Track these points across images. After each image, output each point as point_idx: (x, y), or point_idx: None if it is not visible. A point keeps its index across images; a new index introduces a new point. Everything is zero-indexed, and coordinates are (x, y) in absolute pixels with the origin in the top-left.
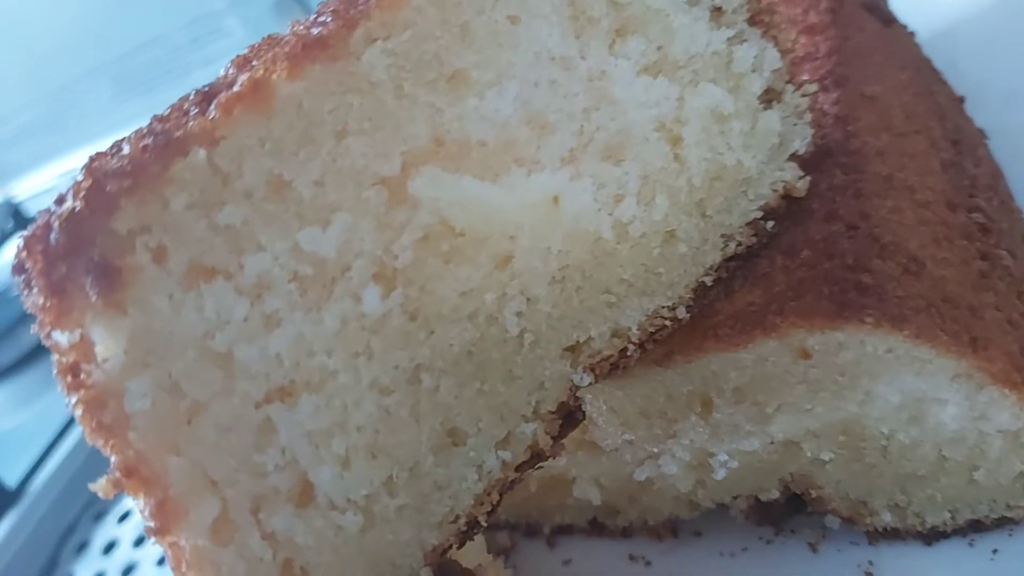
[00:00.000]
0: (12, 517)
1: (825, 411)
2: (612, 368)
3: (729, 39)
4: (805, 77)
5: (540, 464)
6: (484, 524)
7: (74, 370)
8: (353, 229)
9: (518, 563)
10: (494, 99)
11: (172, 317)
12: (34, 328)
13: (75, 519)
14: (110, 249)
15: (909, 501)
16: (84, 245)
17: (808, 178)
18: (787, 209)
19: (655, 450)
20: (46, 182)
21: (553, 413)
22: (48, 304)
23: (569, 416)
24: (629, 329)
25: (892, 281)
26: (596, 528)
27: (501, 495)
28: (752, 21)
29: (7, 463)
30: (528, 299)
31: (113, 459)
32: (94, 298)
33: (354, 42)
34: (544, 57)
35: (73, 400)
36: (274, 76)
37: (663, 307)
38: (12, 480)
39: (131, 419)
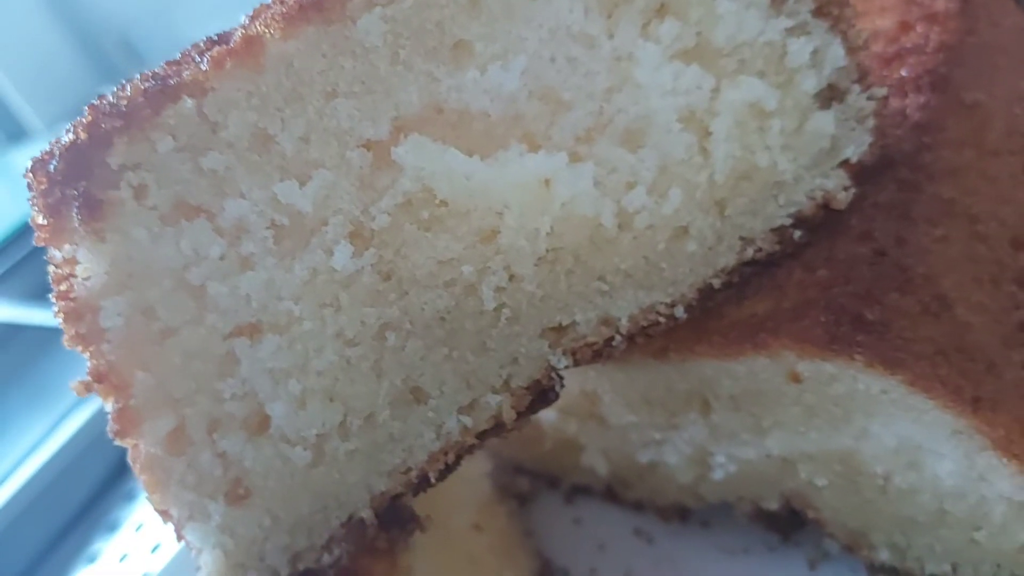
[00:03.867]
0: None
1: (820, 437)
2: (595, 355)
3: (787, 29)
4: (904, 73)
5: (503, 434)
6: (435, 481)
7: (66, 281)
8: (333, 187)
9: (533, 510)
10: (497, 73)
11: (151, 248)
12: (34, 240)
13: None
14: (98, 182)
15: (908, 544)
16: (77, 175)
17: (852, 190)
18: (824, 220)
19: (658, 437)
20: None
21: (524, 389)
22: (45, 223)
23: (542, 395)
24: (618, 320)
25: (904, 319)
26: (611, 495)
27: (459, 457)
28: (818, 12)
29: None
30: (511, 276)
31: (88, 365)
32: (77, 224)
33: (352, 6)
34: (562, 34)
35: (56, 308)
36: (267, 34)
37: (660, 303)
38: None
39: (105, 333)
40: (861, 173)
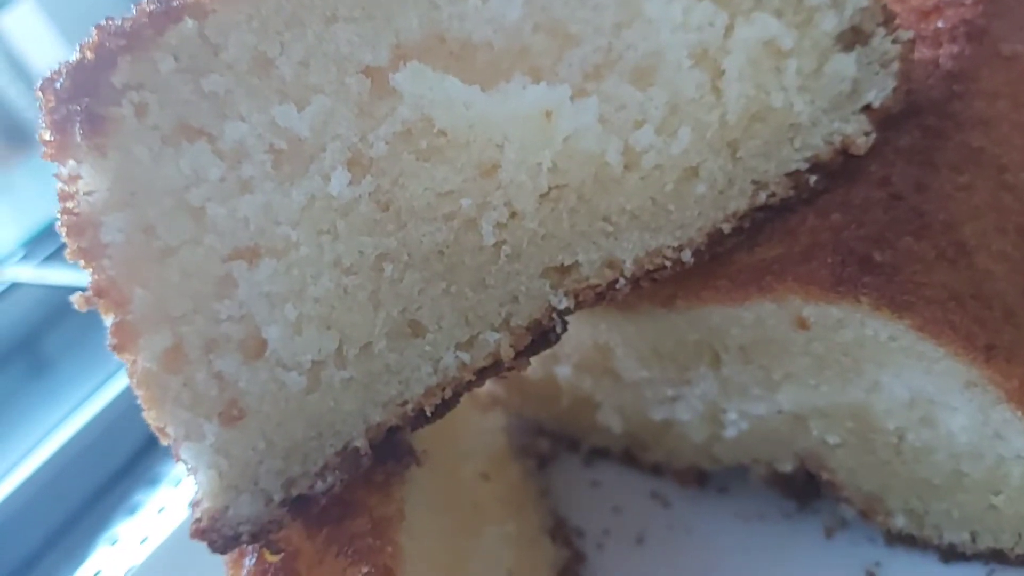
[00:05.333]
0: None
1: (831, 391)
2: (598, 297)
3: None
4: (940, 24)
5: (502, 373)
6: (431, 416)
7: (72, 199)
8: (331, 113)
9: (552, 471)
10: (499, 2)
11: (152, 167)
12: (41, 155)
13: None
14: (100, 99)
15: (925, 510)
16: (83, 92)
17: (873, 136)
18: (842, 166)
19: (671, 393)
20: None
21: (524, 328)
22: (51, 139)
23: (542, 335)
24: (623, 262)
25: (916, 263)
26: (629, 458)
27: (456, 393)
28: None
29: None
30: (512, 212)
31: (89, 280)
32: (79, 139)
33: None
34: None
35: (59, 222)
36: None
37: (667, 246)
38: None
39: (106, 248)
40: (884, 119)
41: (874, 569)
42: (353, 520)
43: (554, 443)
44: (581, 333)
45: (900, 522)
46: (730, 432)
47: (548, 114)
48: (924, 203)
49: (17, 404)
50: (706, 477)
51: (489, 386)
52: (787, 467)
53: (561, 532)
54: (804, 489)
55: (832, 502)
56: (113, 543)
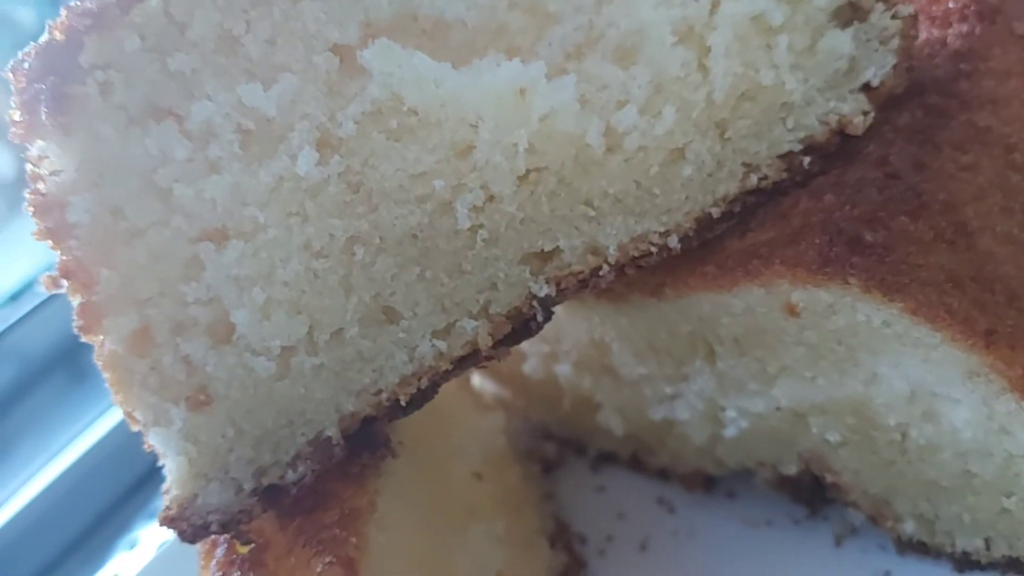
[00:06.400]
0: None
1: (828, 383)
2: (580, 285)
3: None
4: (951, 5)
5: (482, 363)
6: (407, 406)
7: (41, 181)
8: (299, 92)
9: (558, 476)
10: None
11: (118, 147)
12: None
13: None
14: (66, 78)
15: (936, 514)
16: (50, 72)
17: (871, 115)
18: (839, 147)
19: (669, 391)
20: None
21: (504, 316)
22: (21, 119)
23: (523, 324)
24: (607, 248)
25: (911, 244)
26: (636, 462)
27: (433, 383)
28: None
29: None
30: (490, 196)
31: (58, 261)
32: (44, 117)
33: None
34: None
35: (27, 202)
36: None
37: (653, 232)
38: None
39: (72, 229)
40: (884, 98)
41: None
42: (324, 511)
43: (561, 448)
44: (578, 330)
45: (910, 528)
46: (730, 431)
47: (522, 92)
48: (923, 183)
49: (57, 411)
50: (713, 482)
51: (492, 388)
52: (791, 469)
53: (562, 537)
54: (812, 495)
55: (842, 509)
56: (132, 547)
